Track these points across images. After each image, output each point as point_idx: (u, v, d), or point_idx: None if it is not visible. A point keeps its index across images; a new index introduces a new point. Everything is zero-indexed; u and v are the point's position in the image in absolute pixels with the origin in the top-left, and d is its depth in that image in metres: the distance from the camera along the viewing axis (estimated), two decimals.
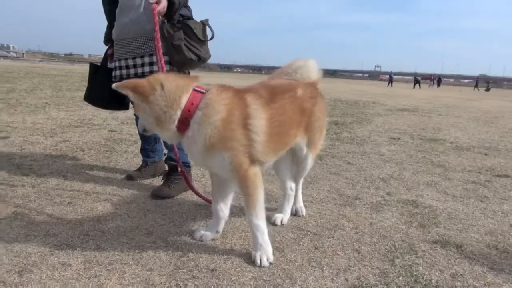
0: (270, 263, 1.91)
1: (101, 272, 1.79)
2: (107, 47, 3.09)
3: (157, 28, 2.58)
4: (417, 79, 42.21)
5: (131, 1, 2.75)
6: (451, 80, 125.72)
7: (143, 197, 2.79)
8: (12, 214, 2.36)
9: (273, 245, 2.12)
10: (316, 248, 2.12)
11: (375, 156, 4.53)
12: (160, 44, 2.59)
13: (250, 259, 1.94)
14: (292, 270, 1.88)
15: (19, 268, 1.79)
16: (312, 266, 1.93)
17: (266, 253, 1.92)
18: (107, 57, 3.08)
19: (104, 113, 6.26)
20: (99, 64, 3.21)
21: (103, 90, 3.01)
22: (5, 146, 3.92)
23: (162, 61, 2.57)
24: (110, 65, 3.04)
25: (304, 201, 2.71)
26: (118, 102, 3.03)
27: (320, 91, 2.42)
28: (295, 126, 2.18)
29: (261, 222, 1.94)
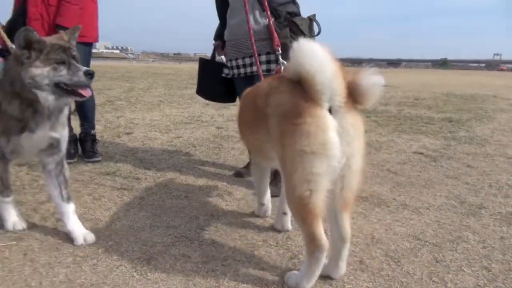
0: None
1: (217, 267, 1.89)
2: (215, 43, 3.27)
3: (250, 25, 2.75)
4: None
5: (240, 2, 2.84)
6: None
7: (251, 195, 2.88)
8: (138, 205, 2.62)
9: (387, 254, 2.01)
10: (437, 261, 1.95)
11: (501, 158, 4.03)
12: (254, 45, 2.73)
13: (365, 267, 1.87)
14: (411, 284, 1.76)
15: (147, 256, 1.97)
16: (433, 281, 1.78)
17: None
18: (215, 51, 3.28)
19: (211, 110, 6.64)
20: (209, 58, 3.40)
21: (214, 83, 3.21)
22: (129, 141, 4.38)
23: (258, 62, 2.74)
24: (218, 58, 3.21)
25: (419, 208, 2.53)
26: (228, 95, 3.20)
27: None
28: None
29: None
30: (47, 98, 1.88)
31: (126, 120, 5.59)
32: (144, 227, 2.30)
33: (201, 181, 3.12)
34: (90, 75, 1.90)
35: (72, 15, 3.13)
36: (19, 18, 3.09)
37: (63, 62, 1.87)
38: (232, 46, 3.01)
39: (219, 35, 3.18)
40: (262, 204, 2.47)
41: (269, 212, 2.49)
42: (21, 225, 2.20)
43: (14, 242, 2.05)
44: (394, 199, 2.81)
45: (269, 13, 2.70)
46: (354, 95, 1.57)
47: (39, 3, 3.11)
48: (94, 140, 3.69)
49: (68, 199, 2.13)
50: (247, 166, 3.34)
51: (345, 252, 1.74)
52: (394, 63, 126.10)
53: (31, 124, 1.93)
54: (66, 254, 1.97)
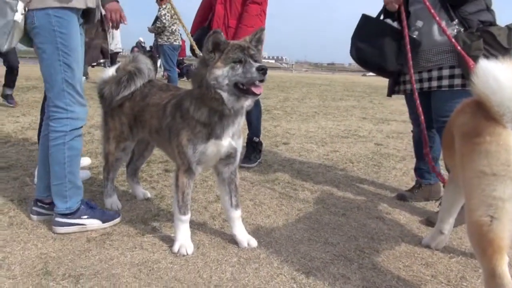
0: None
1: None
2: None
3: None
4: None
5: (424, 11, 2.70)
6: None
7: (416, 222, 2.72)
8: (296, 216, 2.74)
9: None
10: None
11: None
12: (410, 61, 2.62)
13: None
14: None
15: (305, 269, 2.05)
16: None
17: None
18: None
19: (368, 124, 6.50)
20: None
21: (382, 42, 2.82)
22: (287, 151, 4.61)
23: (412, 78, 2.64)
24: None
25: None
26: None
27: None
28: None
29: None
30: (229, 98, 1.98)
31: (283, 129, 5.91)
32: (302, 239, 2.39)
33: (359, 200, 3.09)
34: (262, 70, 1.92)
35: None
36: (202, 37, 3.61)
37: (240, 61, 1.95)
38: (417, 59, 2.83)
39: None
40: (440, 232, 2.29)
41: (443, 244, 2.31)
42: (189, 249, 2.16)
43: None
44: None
45: (443, 26, 2.52)
46: None
47: (221, 24, 3.63)
48: (255, 147, 4.00)
49: (236, 206, 2.32)
50: (412, 189, 3.17)
51: None
52: None
53: (217, 129, 2.09)
54: (232, 254, 2.19)
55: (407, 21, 2.73)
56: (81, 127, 2.35)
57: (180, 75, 15.00)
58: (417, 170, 3.16)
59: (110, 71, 2.64)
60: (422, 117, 2.70)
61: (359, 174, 3.80)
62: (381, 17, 2.94)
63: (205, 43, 1.98)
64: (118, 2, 2.53)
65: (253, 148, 4.00)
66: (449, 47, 2.63)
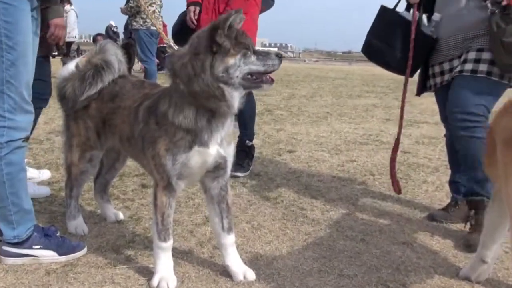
0: None
1: None
2: None
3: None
4: None
5: None
6: None
7: (452, 248, 2.73)
8: (304, 242, 2.75)
9: None
10: None
11: None
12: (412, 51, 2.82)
13: None
14: None
15: None
16: None
17: None
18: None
19: (393, 128, 6.52)
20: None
21: (394, 39, 3.11)
22: (292, 160, 4.64)
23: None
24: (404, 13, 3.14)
25: None
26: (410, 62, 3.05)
27: None
28: None
29: None
30: (233, 94, 2.00)
31: (288, 134, 5.94)
32: (311, 271, 2.40)
33: (382, 221, 3.10)
34: (280, 56, 2.06)
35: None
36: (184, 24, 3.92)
37: (248, 48, 2.01)
38: (441, 48, 2.99)
39: None
40: (482, 262, 2.28)
41: (486, 276, 2.32)
42: (172, 283, 2.17)
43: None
44: None
45: None
46: None
47: (210, 10, 3.86)
48: (248, 152, 4.07)
49: (229, 230, 2.32)
50: (447, 208, 3.18)
51: None
52: None
53: (204, 135, 2.08)
54: None
55: (428, 14, 2.95)
56: (22, 139, 2.27)
57: (161, 68, 15.04)
58: (453, 183, 3.18)
59: (71, 66, 2.64)
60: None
61: (381, 190, 3.81)
62: (400, 9, 3.16)
63: (220, 25, 1.96)
64: (63, 17, 2.59)
65: (245, 153, 4.07)
66: (478, 31, 2.75)
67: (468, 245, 2.69)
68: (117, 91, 2.54)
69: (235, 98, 2.02)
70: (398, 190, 3.30)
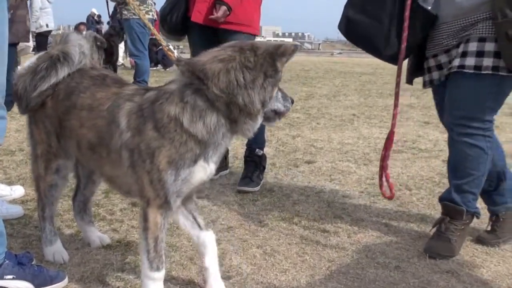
0: None
1: None
2: None
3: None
4: None
5: None
6: None
7: (506, 277, 2.72)
8: (327, 270, 2.75)
9: None
10: None
11: None
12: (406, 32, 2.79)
13: None
14: None
15: None
16: None
17: None
18: None
19: (433, 132, 6.51)
20: None
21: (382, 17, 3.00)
22: (311, 173, 4.64)
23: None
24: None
25: None
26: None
27: None
28: None
29: None
30: (260, 121, 2.18)
31: (306, 141, 5.95)
32: None
33: (420, 245, 3.09)
34: (292, 101, 2.32)
35: None
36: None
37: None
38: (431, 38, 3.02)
39: None
40: None
41: None
42: None
43: None
44: None
45: None
46: None
47: None
48: (258, 163, 4.08)
49: (207, 226, 2.48)
50: (492, 226, 3.16)
51: None
52: None
53: (210, 149, 2.14)
54: None
55: None
56: None
57: (155, 64, 15.11)
58: (484, 194, 3.18)
59: (31, 61, 2.64)
60: None
61: (420, 207, 3.80)
62: None
63: (287, 52, 2.11)
64: None
65: (255, 164, 4.08)
66: (479, 15, 2.72)
67: None
68: (73, 87, 2.53)
69: (258, 126, 2.17)
70: (389, 195, 3.13)
